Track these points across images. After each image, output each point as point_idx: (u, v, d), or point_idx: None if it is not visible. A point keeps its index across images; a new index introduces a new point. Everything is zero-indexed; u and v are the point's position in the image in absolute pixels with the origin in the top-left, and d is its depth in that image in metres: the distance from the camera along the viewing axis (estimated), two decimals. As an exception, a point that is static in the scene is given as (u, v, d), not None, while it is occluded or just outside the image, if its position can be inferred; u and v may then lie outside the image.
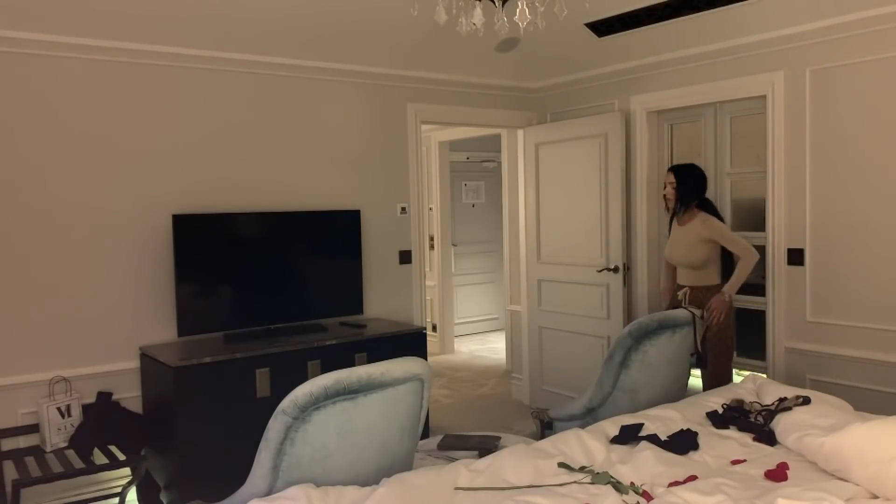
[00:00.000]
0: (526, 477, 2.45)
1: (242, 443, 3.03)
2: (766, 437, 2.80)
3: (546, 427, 3.71)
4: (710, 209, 4.06)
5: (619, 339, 3.46)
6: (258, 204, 4.20)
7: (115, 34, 3.67)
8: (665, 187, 4.11)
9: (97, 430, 3.53)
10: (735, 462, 2.62)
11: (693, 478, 2.41)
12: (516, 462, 2.53)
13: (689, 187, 4.02)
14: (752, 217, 4.32)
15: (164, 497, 3.63)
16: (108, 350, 3.76)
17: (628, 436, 2.80)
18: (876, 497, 2.28)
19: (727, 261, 4.03)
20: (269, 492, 2.39)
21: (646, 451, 2.62)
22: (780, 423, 2.81)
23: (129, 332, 3.81)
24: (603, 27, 4.33)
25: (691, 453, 2.68)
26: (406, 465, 2.70)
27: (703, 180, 4.08)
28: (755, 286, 4.28)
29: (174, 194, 3.93)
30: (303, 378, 2.71)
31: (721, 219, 4.03)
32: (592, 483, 2.37)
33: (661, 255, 4.78)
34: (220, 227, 4.00)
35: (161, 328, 3.88)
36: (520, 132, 5.52)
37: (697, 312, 3.72)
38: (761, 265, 4.14)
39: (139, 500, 3.62)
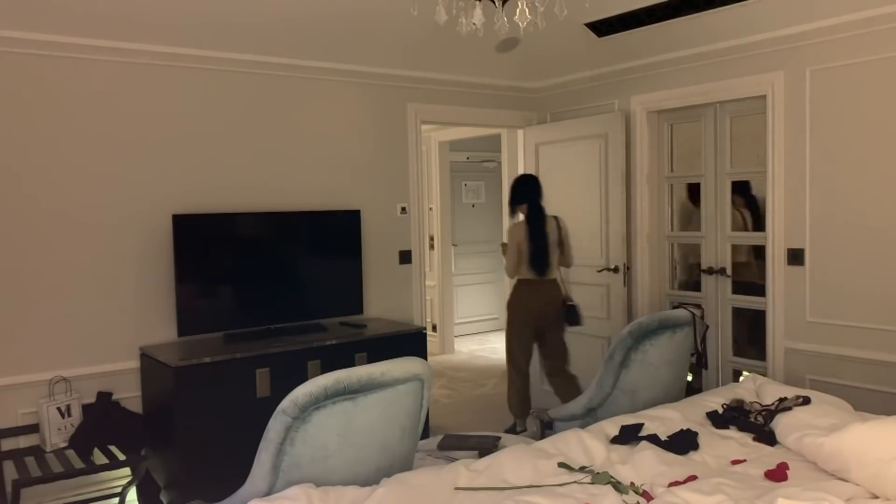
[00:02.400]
0: (526, 477, 2.45)
1: (242, 443, 3.03)
2: (766, 437, 2.80)
3: (546, 427, 3.71)
4: (533, 216, 4.46)
5: (619, 339, 3.46)
6: (258, 204, 4.20)
7: (115, 34, 3.67)
8: None
9: (97, 430, 3.53)
10: (735, 462, 2.62)
11: (693, 478, 2.41)
12: (516, 462, 2.53)
13: (511, 195, 4.62)
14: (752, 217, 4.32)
15: (164, 497, 3.63)
16: (108, 350, 3.76)
17: (628, 436, 2.80)
18: (876, 497, 2.28)
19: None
20: (269, 492, 2.39)
21: (646, 451, 2.62)
22: (780, 423, 2.81)
23: (129, 332, 3.82)
24: (603, 27, 4.33)
25: (691, 453, 2.68)
26: (406, 465, 2.70)
27: (515, 189, 4.58)
28: (755, 286, 4.28)
29: (174, 194, 3.93)
30: (303, 378, 2.70)
31: (534, 227, 4.42)
32: (592, 483, 2.37)
33: (661, 255, 4.79)
34: (220, 227, 4.00)
35: (161, 328, 3.88)
36: (520, 132, 5.52)
37: (698, 312, 3.73)
38: (761, 265, 4.15)
39: (139, 500, 3.62)
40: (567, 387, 4.47)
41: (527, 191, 4.54)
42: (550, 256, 4.46)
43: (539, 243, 4.43)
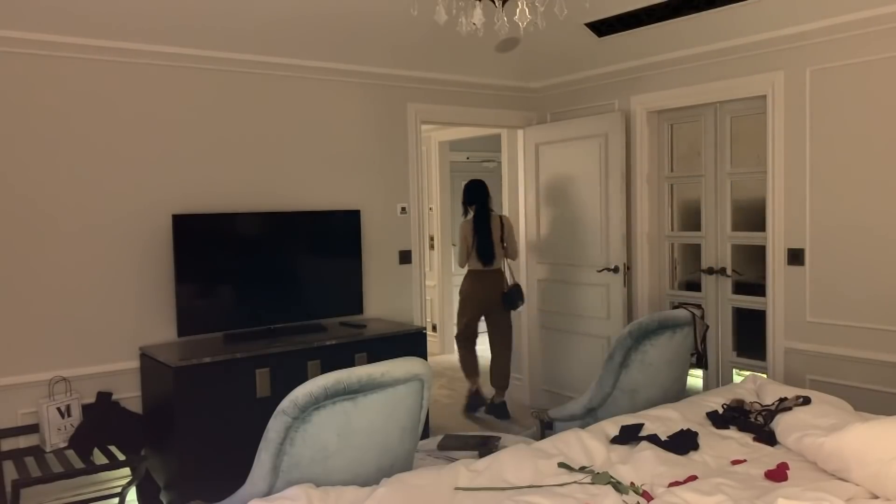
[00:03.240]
0: (526, 477, 2.45)
1: (242, 443, 3.03)
2: (767, 437, 2.80)
3: (546, 427, 3.71)
4: (480, 215, 5.25)
5: (619, 339, 3.46)
6: (258, 204, 4.20)
7: (115, 34, 3.67)
8: None
9: (97, 430, 3.53)
10: (735, 462, 2.62)
11: (693, 478, 2.41)
12: (516, 462, 2.53)
13: (463, 197, 5.42)
14: (753, 217, 4.32)
15: (164, 497, 3.63)
16: (108, 350, 3.76)
17: (628, 436, 2.80)
18: (876, 497, 2.28)
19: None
20: (269, 492, 2.39)
21: (646, 451, 2.62)
22: (781, 423, 2.81)
23: (129, 332, 3.81)
24: (603, 27, 4.33)
25: (691, 453, 2.68)
26: (406, 465, 2.70)
27: (466, 192, 5.39)
28: (755, 286, 4.28)
29: (174, 194, 3.93)
30: (303, 378, 2.71)
31: (479, 224, 5.22)
32: (592, 483, 2.37)
33: (661, 255, 4.80)
34: (220, 227, 4.00)
35: (161, 328, 3.88)
36: (520, 132, 5.52)
37: (698, 312, 3.73)
38: (761, 265, 4.15)
39: (139, 500, 3.62)
40: (497, 360, 5.34)
41: (475, 194, 5.35)
42: (494, 249, 5.22)
43: (483, 238, 5.22)
